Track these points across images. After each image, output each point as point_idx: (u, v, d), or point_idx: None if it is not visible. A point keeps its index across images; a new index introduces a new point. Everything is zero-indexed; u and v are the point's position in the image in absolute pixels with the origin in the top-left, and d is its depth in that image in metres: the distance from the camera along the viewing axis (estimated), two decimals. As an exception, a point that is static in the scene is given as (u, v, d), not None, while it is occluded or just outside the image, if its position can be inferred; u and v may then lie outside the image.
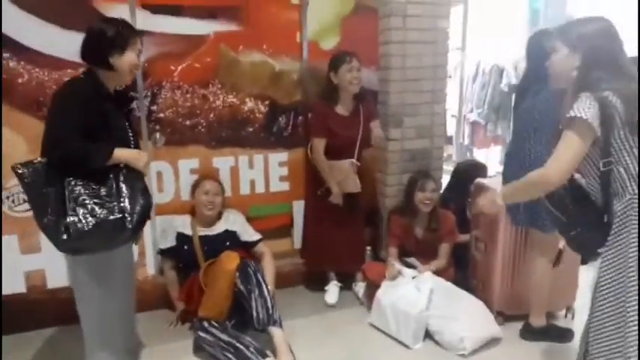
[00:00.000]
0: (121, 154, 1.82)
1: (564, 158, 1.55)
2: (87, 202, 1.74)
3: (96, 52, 1.83)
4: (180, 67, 2.78)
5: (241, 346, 2.24)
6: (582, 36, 1.61)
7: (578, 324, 2.74)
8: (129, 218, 1.78)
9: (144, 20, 2.66)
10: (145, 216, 1.85)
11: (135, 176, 1.85)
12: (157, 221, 2.84)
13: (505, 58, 5.07)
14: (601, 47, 1.58)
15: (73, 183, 1.74)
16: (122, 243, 1.86)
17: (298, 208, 3.14)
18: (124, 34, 1.83)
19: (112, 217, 1.75)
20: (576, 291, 2.78)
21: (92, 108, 1.77)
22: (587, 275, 3.14)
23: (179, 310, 2.71)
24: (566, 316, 2.81)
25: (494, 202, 1.80)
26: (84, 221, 1.71)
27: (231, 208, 2.89)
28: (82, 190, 1.74)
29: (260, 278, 2.43)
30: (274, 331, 2.34)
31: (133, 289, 2.13)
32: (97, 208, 1.74)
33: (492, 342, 2.50)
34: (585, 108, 1.51)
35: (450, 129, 6.06)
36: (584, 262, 2.78)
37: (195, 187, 2.76)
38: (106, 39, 1.81)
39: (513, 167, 2.40)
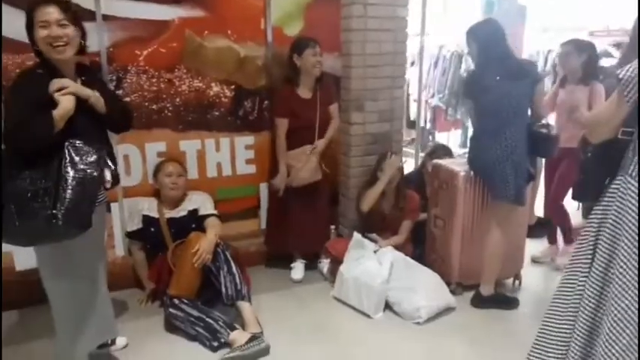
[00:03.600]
0: (57, 111, 1.67)
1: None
2: (22, 197, 1.62)
3: (27, 34, 1.74)
4: (145, 52, 2.81)
5: (210, 320, 2.36)
6: None
7: (524, 291, 2.99)
8: (59, 215, 1.62)
9: (108, 5, 2.68)
10: (83, 207, 1.69)
11: (84, 153, 1.71)
12: (125, 204, 2.90)
13: (464, 45, 5.26)
14: None
15: (15, 173, 1.64)
16: (57, 239, 1.72)
17: (265, 190, 3.24)
18: (29, 9, 1.71)
19: (39, 216, 1.61)
20: (523, 260, 3.02)
21: (41, 102, 1.67)
22: (533, 247, 3.40)
23: (149, 289, 2.79)
24: (514, 284, 3.04)
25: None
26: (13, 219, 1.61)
27: (197, 191, 2.96)
28: (20, 183, 1.63)
29: (228, 256, 2.54)
30: (243, 305, 2.47)
31: (102, 278, 2.03)
32: (28, 204, 1.62)
33: (447, 310, 2.70)
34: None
35: (413, 113, 6.28)
36: (529, 234, 3.04)
37: (157, 170, 2.82)
38: (26, 18, 1.72)
39: (485, 149, 2.58)
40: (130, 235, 2.84)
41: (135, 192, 2.91)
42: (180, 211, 2.82)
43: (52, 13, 1.69)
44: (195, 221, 2.80)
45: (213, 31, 2.94)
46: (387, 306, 2.70)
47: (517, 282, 3.04)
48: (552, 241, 3.41)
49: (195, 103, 2.99)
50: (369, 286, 2.63)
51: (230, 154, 3.13)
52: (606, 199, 1.59)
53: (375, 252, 2.76)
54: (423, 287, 2.64)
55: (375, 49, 3.16)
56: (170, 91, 2.92)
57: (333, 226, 3.40)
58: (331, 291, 2.88)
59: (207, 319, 2.36)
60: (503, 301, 2.76)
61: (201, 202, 2.87)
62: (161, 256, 2.72)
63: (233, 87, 3.06)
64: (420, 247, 3.14)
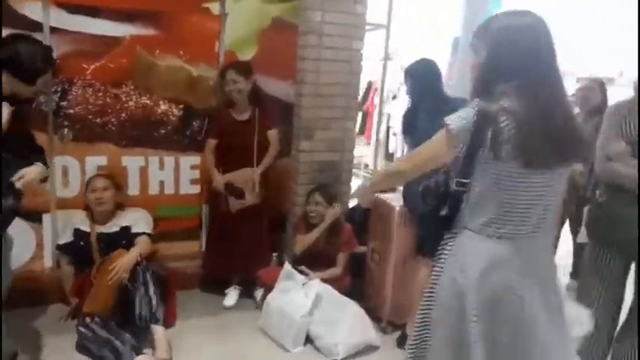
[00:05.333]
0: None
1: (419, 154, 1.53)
2: None
3: None
4: (93, 66, 2.83)
5: (118, 343, 2.30)
6: None
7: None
8: None
9: (58, 18, 2.71)
10: None
11: None
12: (60, 216, 2.87)
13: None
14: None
15: None
16: None
17: (208, 211, 3.22)
18: None
19: None
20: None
21: None
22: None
23: (72, 306, 2.74)
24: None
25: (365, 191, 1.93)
26: None
27: (134, 207, 2.93)
28: None
29: (148, 277, 2.50)
30: (155, 328, 2.43)
31: None
32: None
33: (369, 349, 2.63)
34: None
35: (392, 147, 6.31)
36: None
37: (86, 186, 2.79)
38: None
39: (413, 186, 2.54)
40: (60, 248, 2.80)
41: (71, 204, 2.88)
42: (112, 227, 2.79)
43: None
44: (126, 238, 2.77)
45: (165, 50, 2.96)
46: (310, 340, 2.63)
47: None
48: None
49: (141, 120, 2.99)
50: (291, 318, 2.57)
51: (174, 173, 3.12)
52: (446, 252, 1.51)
53: (303, 284, 2.71)
54: (346, 323, 2.58)
55: (329, 79, 3.17)
56: (116, 106, 2.92)
57: (275, 254, 3.36)
58: (259, 320, 2.82)
59: (115, 341, 2.31)
60: (430, 343, 2.68)
61: (134, 220, 2.84)
62: (86, 272, 2.68)
63: (182, 106, 3.06)
64: (359, 280, 3.09)
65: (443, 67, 2.99)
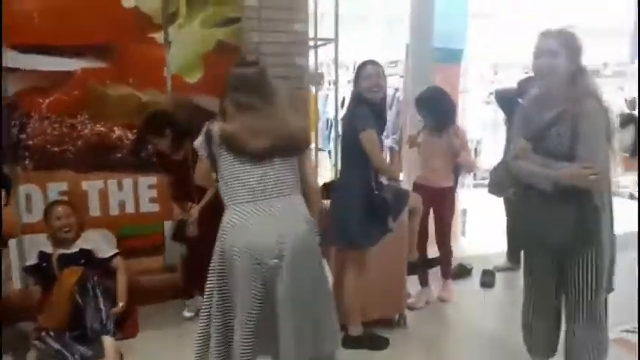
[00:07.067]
0: None
1: None
2: None
3: None
4: (48, 100, 3.07)
5: (67, 354, 2.50)
6: None
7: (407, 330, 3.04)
8: None
9: (13, 59, 2.96)
10: None
11: None
12: (26, 239, 3.10)
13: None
14: None
15: None
16: None
17: (169, 227, 3.39)
18: None
19: None
20: (403, 299, 3.07)
21: None
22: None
23: (38, 323, 2.95)
24: (399, 323, 3.08)
25: None
26: None
27: (95, 229, 3.14)
28: None
29: (98, 292, 2.70)
30: (106, 340, 2.61)
31: None
32: None
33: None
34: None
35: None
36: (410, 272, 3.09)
37: (46, 214, 2.97)
38: None
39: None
40: (26, 270, 3.02)
41: (35, 228, 3.09)
42: (73, 248, 2.99)
43: None
44: (85, 258, 2.95)
45: (115, 79, 3.19)
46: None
47: (402, 321, 3.08)
48: (424, 283, 3.45)
49: (98, 146, 3.21)
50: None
51: (133, 194, 3.33)
52: None
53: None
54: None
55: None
56: (72, 135, 3.15)
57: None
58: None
59: (66, 353, 2.51)
60: (371, 341, 2.80)
61: (94, 242, 3.03)
62: (50, 291, 2.88)
63: (135, 130, 3.27)
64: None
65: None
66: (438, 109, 3.25)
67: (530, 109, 2.15)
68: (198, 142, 2.02)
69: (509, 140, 2.19)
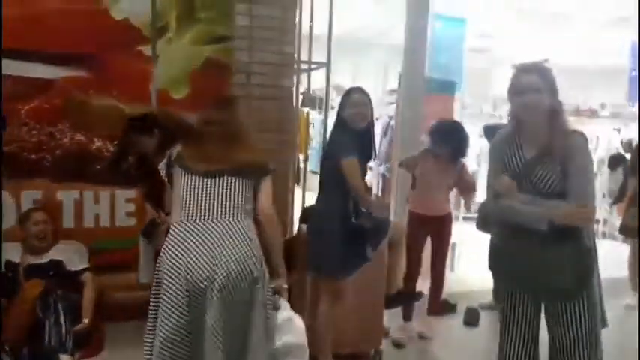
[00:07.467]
0: None
1: None
2: None
3: None
4: (27, 107, 3.01)
5: (22, 372, 2.37)
6: None
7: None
8: None
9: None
10: None
11: None
12: (-7, 248, 3.00)
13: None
14: None
15: None
16: None
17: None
18: None
19: None
20: (381, 334, 2.95)
21: None
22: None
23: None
24: (374, 359, 2.95)
25: None
26: None
27: (69, 240, 3.04)
28: None
29: (59, 307, 2.58)
30: (63, 358, 2.48)
31: None
32: None
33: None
34: None
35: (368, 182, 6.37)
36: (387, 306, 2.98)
37: (23, 219, 2.91)
38: None
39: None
40: (-9, 280, 2.91)
41: (7, 237, 2.99)
42: (44, 258, 2.90)
43: None
44: (54, 269, 2.86)
45: (98, 89, 3.14)
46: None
47: (378, 357, 2.95)
48: (407, 317, 3.32)
49: (76, 156, 3.14)
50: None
51: (110, 207, 3.24)
52: None
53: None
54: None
55: (260, 116, 3.29)
56: (51, 144, 3.08)
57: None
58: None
59: (18, 370, 2.38)
60: (342, 376, 2.68)
61: (66, 253, 2.94)
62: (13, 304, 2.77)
63: (116, 142, 3.21)
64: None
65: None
66: (455, 140, 3.21)
67: (507, 147, 2.03)
68: (162, 164, 2.15)
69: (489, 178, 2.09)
